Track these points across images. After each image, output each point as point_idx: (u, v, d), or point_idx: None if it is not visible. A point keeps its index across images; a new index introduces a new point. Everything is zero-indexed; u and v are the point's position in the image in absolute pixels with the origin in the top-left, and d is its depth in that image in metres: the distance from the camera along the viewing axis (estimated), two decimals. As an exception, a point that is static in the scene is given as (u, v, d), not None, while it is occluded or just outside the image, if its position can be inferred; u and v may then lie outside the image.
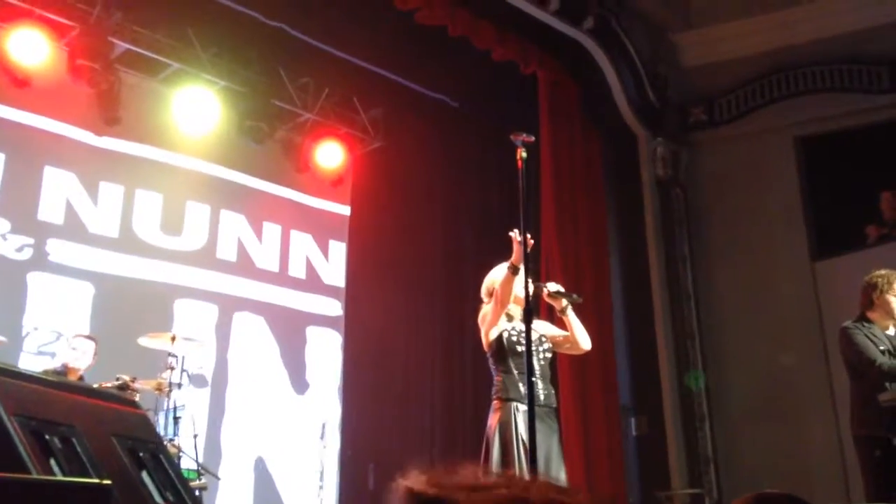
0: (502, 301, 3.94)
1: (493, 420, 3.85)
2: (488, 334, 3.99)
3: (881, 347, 4.26)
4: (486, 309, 4.04)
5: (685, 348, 6.86)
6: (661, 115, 7.36)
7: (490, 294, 4.06)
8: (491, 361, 4.03)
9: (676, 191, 7.24)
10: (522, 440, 3.69)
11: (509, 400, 3.83)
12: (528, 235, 3.74)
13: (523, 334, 3.79)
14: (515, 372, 3.87)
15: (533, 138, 3.71)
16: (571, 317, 4.09)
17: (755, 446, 6.63)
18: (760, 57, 7.34)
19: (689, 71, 7.65)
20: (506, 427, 3.78)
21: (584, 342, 4.13)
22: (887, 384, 4.15)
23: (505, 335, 3.95)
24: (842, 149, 7.05)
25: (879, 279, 4.40)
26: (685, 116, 7.53)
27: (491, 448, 3.78)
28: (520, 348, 3.86)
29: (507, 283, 3.90)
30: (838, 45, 7.10)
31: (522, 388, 3.72)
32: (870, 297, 4.41)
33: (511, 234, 3.86)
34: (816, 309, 6.76)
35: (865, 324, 4.38)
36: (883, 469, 4.14)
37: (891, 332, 4.39)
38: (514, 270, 3.87)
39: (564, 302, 4.07)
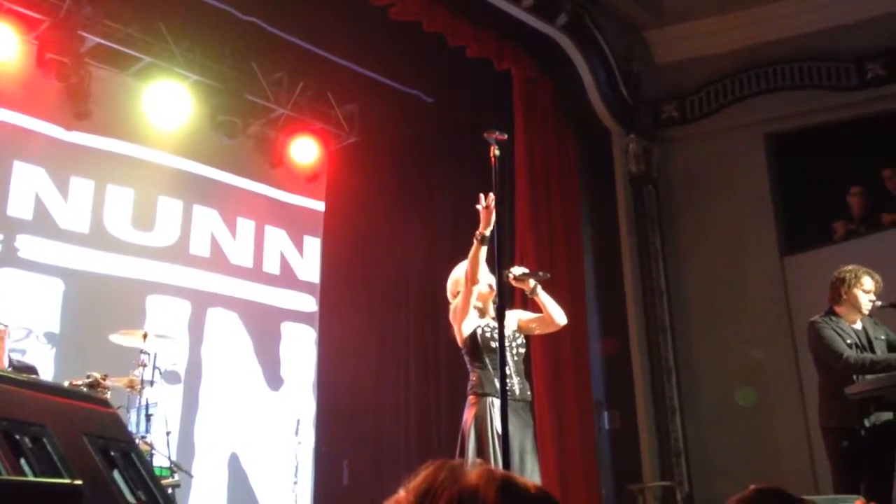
0: (472, 276, 3.86)
1: (468, 415, 3.87)
2: (461, 330, 3.99)
3: (848, 341, 4.34)
4: (456, 302, 4.03)
5: (657, 343, 6.93)
6: (634, 111, 7.41)
7: (455, 294, 4.06)
8: (466, 358, 4.04)
9: (649, 187, 7.30)
10: (497, 434, 3.72)
11: (484, 395, 3.86)
12: (492, 197, 3.64)
13: (496, 330, 3.81)
14: (490, 367, 3.89)
15: (506, 136, 3.71)
16: (542, 295, 4.05)
17: (725, 439, 6.72)
18: (731, 54, 7.42)
19: (661, 68, 7.72)
20: (481, 421, 3.80)
21: (560, 318, 4.08)
22: (855, 377, 4.24)
23: (479, 331, 3.97)
24: (811, 145, 7.15)
25: (847, 274, 4.48)
26: (657, 113, 7.59)
27: (466, 442, 3.80)
28: (494, 344, 3.87)
29: (476, 254, 3.82)
30: (807, 42, 7.19)
31: (497, 384, 3.73)
32: (838, 291, 4.49)
33: (478, 205, 3.78)
34: (785, 303, 6.85)
35: (833, 318, 4.46)
36: (851, 460, 4.22)
37: (858, 326, 4.47)
38: (481, 239, 3.79)
39: (532, 282, 4.03)
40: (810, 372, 4.86)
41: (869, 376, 4.18)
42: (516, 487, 1.04)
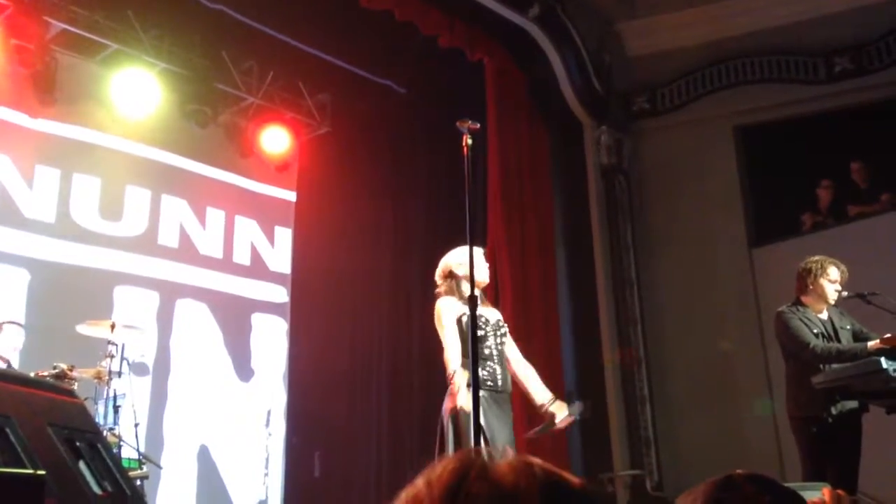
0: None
1: (447, 404, 3.83)
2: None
3: (815, 331, 4.39)
4: (442, 308, 3.99)
5: (628, 333, 6.97)
6: (606, 103, 7.43)
7: (444, 278, 4.04)
8: None
9: (620, 178, 7.33)
10: (479, 425, 3.69)
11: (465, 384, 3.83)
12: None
13: (480, 318, 3.79)
14: (471, 356, 3.86)
15: (478, 125, 3.69)
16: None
17: (694, 428, 6.78)
18: (702, 47, 7.47)
19: (632, 60, 7.74)
20: (460, 411, 3.78)
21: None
22: (821, 366, 4.29)
23: (464, 318, 3.93)
24: (779, 138, 7.22)
25: (814, 265, 4.53)
26: (629, 105, 7.62)
27: (446, 431, 3.77)
28: (479, 332, 3.85)
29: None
30: (777, 36, 7.26)
31: (479, 372, 3.72)
32: (805, 282, 4.53)
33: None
34: (753, 294, 6.92)
35: (800, 308, 4.50)
36: (818, 448, 4.28)
37: (824, 315, 4.52)
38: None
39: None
40: (778, 361, 4.91)
41: (835, 366, 4.23)
42: (560, 486, 0.90)
